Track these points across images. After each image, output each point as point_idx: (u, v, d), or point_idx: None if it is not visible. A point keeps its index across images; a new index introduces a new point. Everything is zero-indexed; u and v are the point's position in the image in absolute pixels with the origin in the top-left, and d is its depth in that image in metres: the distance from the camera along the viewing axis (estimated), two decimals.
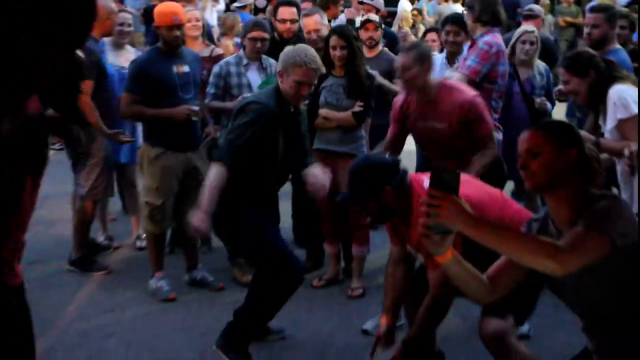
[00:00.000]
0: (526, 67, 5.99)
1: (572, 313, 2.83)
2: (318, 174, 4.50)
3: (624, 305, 2.59)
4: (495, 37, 5.37)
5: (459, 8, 8.40)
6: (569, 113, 5.79)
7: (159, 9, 5.48)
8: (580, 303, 2.72)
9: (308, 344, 4.60)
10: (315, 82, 4.44)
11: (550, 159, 2.61)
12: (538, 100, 5.87)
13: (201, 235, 4.42)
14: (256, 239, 4.35)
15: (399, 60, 4.61)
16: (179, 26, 5.39)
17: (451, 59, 5.92)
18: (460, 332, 4.76)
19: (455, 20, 5.96)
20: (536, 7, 8.60)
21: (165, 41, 5.38)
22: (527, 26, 6.41)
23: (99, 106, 5.61)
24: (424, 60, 4.51)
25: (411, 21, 10.99)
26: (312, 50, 4.44)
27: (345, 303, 5.37)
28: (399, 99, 4.89)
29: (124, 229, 6.79)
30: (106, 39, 6.26)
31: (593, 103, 4.31)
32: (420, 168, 5.73)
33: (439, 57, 6.12)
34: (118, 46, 6.31)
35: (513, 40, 5.98)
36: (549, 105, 5.98)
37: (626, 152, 3.72)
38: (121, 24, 6.24)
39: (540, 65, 6.08)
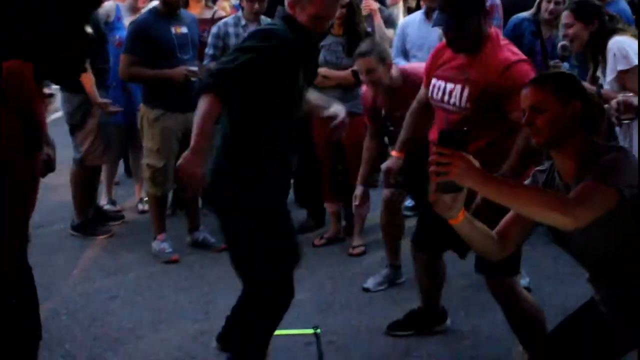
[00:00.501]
0: (550, 26, 5.85)
1: (571, 265, 2.82)
2: (339, 110, 3.70)
3: (631, 257, 2.58)
4: None
5: None
6: (570, 63, 5.72)
7: None
8: (586, 255, 2.71)
9: (310, 302, 4.61)
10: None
11: (555, 113, 2.56)
12: (552, 63, 5.78)
13: (195, 181, 3.33)
14: (254, 229, 3.48)
15: (361, 65, 4.55)
16: None
17: (430, 14, 5.78)
18: (460, 289, 4.77)
19: None
20: None
21: (165, 2, 5.35)
22: None
23: (95, 74, 5.53)
24: (384, 59, 4.52)
25: None
26: None
27: (346, 261, 5.39)
28: (367, 98, 4.87)
29: (126, 192, 6.82)
30: (121, 4, 6.22)
31: (592, 53, 4.29)
32: None
33: (417, 14, 6.02)
34: (134, 10, 6.23)
35: None
36: (564, 65, 5.87)
37: (613, 103, 3.69)
38: None
39: None
